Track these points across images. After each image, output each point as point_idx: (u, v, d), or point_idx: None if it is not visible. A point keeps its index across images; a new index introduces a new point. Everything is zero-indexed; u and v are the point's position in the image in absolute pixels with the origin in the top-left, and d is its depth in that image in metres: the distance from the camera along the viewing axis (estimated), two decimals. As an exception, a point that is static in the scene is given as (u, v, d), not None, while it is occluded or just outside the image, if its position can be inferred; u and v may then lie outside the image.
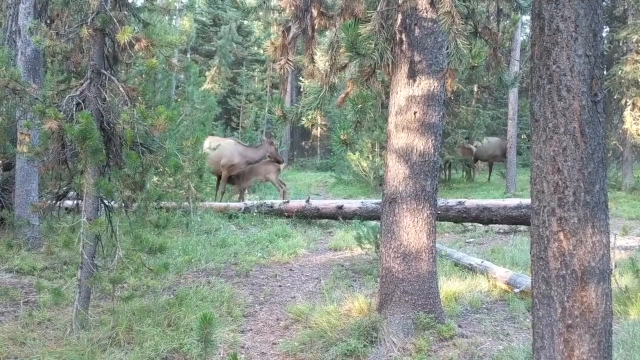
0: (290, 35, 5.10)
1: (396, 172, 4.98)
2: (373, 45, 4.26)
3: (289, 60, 5.20)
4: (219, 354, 4.52)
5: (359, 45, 4.13)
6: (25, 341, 4.51)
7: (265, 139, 14.71)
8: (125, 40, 4.67)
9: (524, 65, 18.72)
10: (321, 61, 5.25)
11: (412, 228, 4.93)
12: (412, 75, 4.88)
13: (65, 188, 5.24)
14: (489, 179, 20.48)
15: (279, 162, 13.90)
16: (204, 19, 29.85)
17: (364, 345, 4.56)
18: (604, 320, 2.65)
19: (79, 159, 4.79)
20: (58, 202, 5.28)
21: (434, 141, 4.96)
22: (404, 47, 4.89)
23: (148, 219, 5.20)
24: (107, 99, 4.95)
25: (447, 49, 4.36)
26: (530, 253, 2.81)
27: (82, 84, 4.98)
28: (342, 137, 4.97)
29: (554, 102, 2.64)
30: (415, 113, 4.89)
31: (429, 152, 4.93)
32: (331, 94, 4.87)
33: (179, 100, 16.73)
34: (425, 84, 4.89)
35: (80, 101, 4.88)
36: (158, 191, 5.21)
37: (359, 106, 4.44)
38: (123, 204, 5.04)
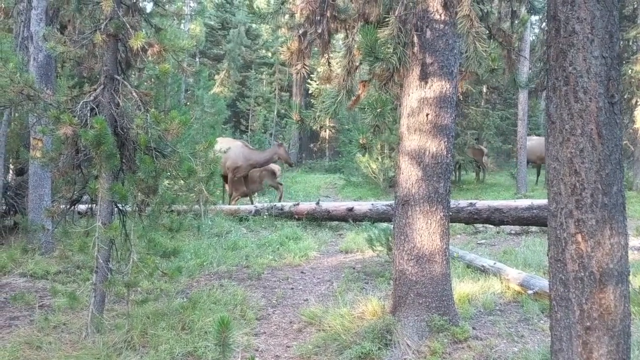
0: (307, 40, 5.10)
1: (409, 174, 4.97)
2: (392, 50, 4.25)
3: (305, 65, 5.21)
4: (235, 358, 4.53)
5: (377, 49, 4.12)
6: (41, 345, 4.55)
7: (274, 142, 14.74)
8: (138, 46, 4.70)
9: (533, 65, 18.61)
10: (336, 64, 5.25)
11: (425, 230, 4.91)
12: (424, 77, 4.86)
13: (78, 193, 5.27)
14: (536, 182, 18.63)
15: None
16: (212, 22, 29.96)
17: (379, 348, 4.56)
18: (623, 322, 2.64)
19: (93, 164, 4.82)
20: (72, 207, 5.32)
21: (446, 143, 4.94)
22: (416, 49, 4.86)
23: (161, 223, 5.23)
24: (121, 104, 4.98)
25: (466, 52, 4.35)
26: (548, 255, 2.80)
27: (95, 90, 5.01)
28: (361, 141, 4.96)
29: (570, 104, 2.63)
30: (427, 115, 4.88)
31: (442, 154, 4.92)
32: (348, 97, 4.87)
33: (188, 104, 16.82)
34: (437, 86, 4.87)
35: (94, 106, 4.92)
36: (170, 195, 5.23)
37: (378, 110, 4.43)
38: (137, 208, 5.07)
